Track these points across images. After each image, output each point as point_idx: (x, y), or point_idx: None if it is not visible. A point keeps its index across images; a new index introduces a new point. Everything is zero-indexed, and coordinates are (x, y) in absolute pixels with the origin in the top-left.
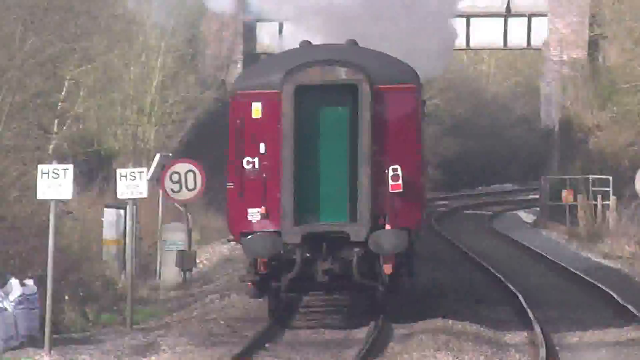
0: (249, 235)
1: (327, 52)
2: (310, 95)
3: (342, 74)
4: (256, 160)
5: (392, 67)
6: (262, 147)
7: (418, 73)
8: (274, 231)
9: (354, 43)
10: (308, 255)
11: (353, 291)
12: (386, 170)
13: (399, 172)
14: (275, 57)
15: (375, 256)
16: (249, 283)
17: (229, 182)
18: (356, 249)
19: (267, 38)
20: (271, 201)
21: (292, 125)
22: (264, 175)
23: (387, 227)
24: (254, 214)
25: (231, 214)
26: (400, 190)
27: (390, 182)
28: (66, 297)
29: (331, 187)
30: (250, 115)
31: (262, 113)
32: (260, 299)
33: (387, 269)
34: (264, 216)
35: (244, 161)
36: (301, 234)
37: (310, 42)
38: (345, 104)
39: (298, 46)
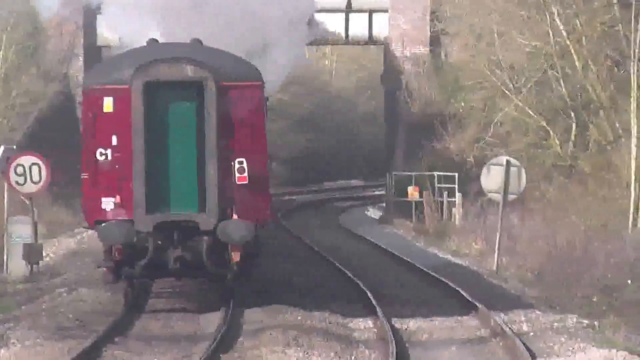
0: (103, 223)
1: (175, 50)
2: (159, 91)
3: (188, 71)
4: (109, 152)
5: (237, 65)
6: (114, 140)
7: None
8: (128, 220)
9: (198, 42)
10: (160, 243)
11: (203, 278)
12: (232, 163)
13: (245, 165)
14: (125, 54)
15: (224, 245)
16: (105, 269)
17: (84, 172)
18: (205, 238)
19: (107, 30)
20: (124, 191)
21: (142, 119)
22: (117, 166)
23: (235, 217)
24: (108, 203)
25: (86, 203)
26: (246, 182)
27: (237, 175)
28: None
29: (181, 179)
30: (102, 109)
31: (113, 107)
32: (109, 293)
33: (236, 257)
34: (118, 205)
35: (97, 153)
36: (153, 222)
37: (157, 41)
38: (193, 100)
39: (145, 44)
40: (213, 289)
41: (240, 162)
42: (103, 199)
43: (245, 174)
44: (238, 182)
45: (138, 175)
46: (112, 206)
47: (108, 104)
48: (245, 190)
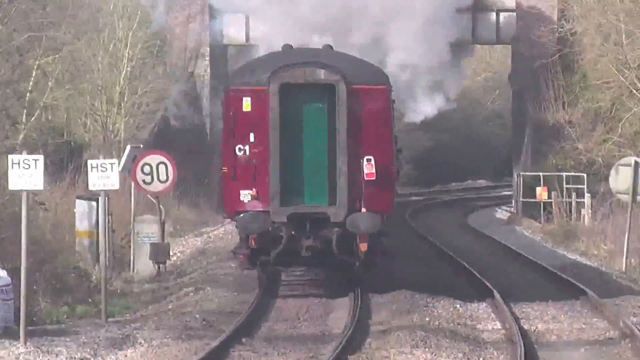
0: (241, 214)
1: (308, 55)
2: (294, 92)
3: (321, 74)
4: (247, 148)
5: (366, 70)
6: (252, 137)
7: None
8: (264, 211)
9: (329, 47)
10: (293, 233)
11: (333, 267)
12: (361, 160)
13: (372, 162)
14: (262, 58)
15: (352, 235)
16: (241, 256)
17: (223, 166)
18: (335, 229)
19: (233, 30)
20: (260, 184)
21: (277, 118)
22: (254, 161)
23: (363, 210)
24: (246, 195)
25: (225, 195)
26: (374, 178)
27: (365, 171)
28: (34, 288)
29: (313, 174)
30: (242, 108)
31: (251, 107)
32: (236, 293)
33: (363, 246)
34: (255, 197)
35: (236, 148)
36: (287, 214)
37: (291, 46)
38: (324, 101)
39: (281, 49)
40: (341, 279)
41: (369, 160)
42: (241, 192)
43: (373, 171)
44: (366, 178)
45: (274, 170)
46: (249, 198)
47: (247, 104)
48: (373, 185)
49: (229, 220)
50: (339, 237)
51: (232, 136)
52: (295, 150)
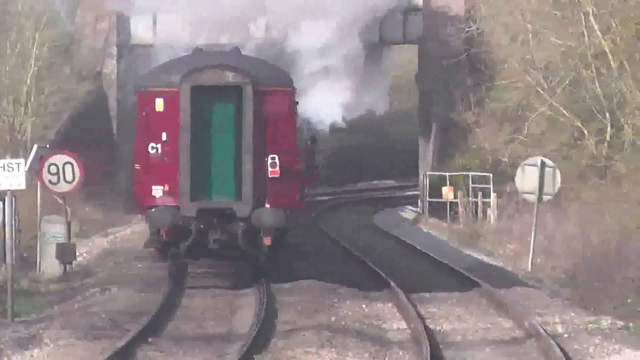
0: (153, 208)
1: (217, 58)
2: (204, 94)
3: (229, 77)
4: (159, 146)
5: (271, 72)
6: (164, 136)
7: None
8: (174, 206)
9: (237, 50)
10: (202, 227)
11: (238, 259)
12: (266, 159)
13: (277, 160)
14: (174, 61)
15: (257, 230)
16: (153, 249)
17: (137, 164)
18: (241, 224)
19: (141, 29)
20: (172, 180)
21: (188, 118)
22: (166, 159)
23: (267, 206)
24: (158, 191)
25: (138, 191)
26: (278, 176)
27: (269, 169)
28: None
29: (220, 171)
30: (154, 108)
31: (164, 107)
32: (142, 294)
33: (267, 241)
34: (166, 193)
35: (149, 147)
36: (196, 208)
37: (202, 50)
38: (232, 102)
39: (191, 52)
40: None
41: (273, 158)
42: (153, 187)
43: (277, 169)
44: (270, 175)
45: (184, 167)
46: (161, 194)
47: (160, 104)
48: (277, 182)
49: (136, 221)
50: (245, 231)
51: (145, 135)
52: (204, 149)
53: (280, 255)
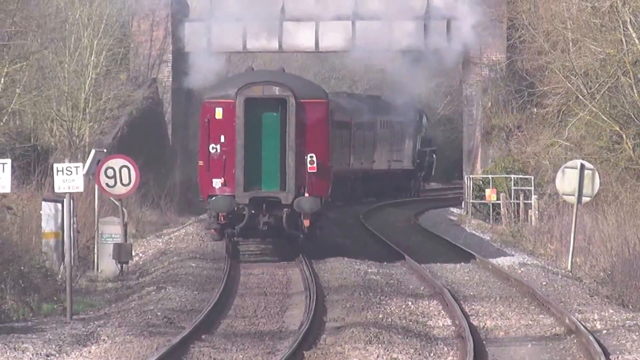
0: (213, 197)
1: (266, 75)
2: (254, 104)
3: (276, 91)
4: (218, 146)
5: (309, 87)
6: (222, 138)
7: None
8: (230, 195)
9: (282, 69)
10: (253, 212)
11: (283, 237)
12: (305, 157)
13: (314, 158)
14: (231, 78)
15: (298, 214)
16: (212, 230)
17: (200, 161)
18: (285, 209)
19: (195, 38)
20: (228, 175)
21: (242, 124)
22: (224, 157)
23: (306, 195)
24: (217, 183)
25: (201, 183)
26: (315, 171)
27: (308, 165)
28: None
29: (268, 167)
30: (215, 116)
31: (222, 115)
32: (196, 292)
33: (306, 222)
34: (224, 185)
35: (210, 147)
36: (248, 197)
37: (253, 69)
38: (278, 111)
39: (244, 71)
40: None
41: (311, 157)
42: (213, 180)
43: (314, 165)
44: (309, 171)
45: (239, 164)
46: (219, 185)
47: (219, 112)
48: (314, 176)
49: (189, 222)
50: (288, 215)
51: (206, 137)
52: (255, 149)
53: (316, 236)
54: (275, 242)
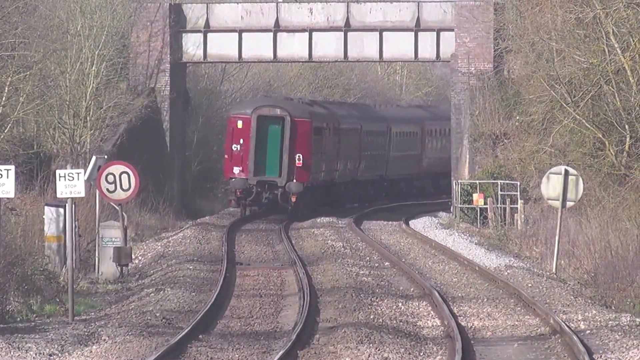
0: (233, 179)
1: (272, 100)
2: (264, 119)
3: (278, 111)
4: (238, 146)
5: (301, 109)
6: (241, 141)
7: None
8: (245, 178)
9: (286, 96)
10: (259, 190)
11: (278, 207)
12: (295, 156)
13: (301, 157)
14: (248, 100)
15: (288, 193)
16: (231, 201)
17: (225, 154)
18: (280, 189)
19: (192, 48)
20: (244, 165)
21: (255, 132)
22: (241, 153)
23: (294, 180)
24: (236, 170)
25: (225, 169)
26: (301, 165)
27: (297, 161)
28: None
29: (271, 161)
30: (237, 126)
31: (242, 126)
32: (193, 294)
33: (294, 198)
34: (241, 171)
35: (232, 146)
36: (256, 180)
37: (265, 95)
38: (279, 124)
39: (258, 96)
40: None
41: (299, 156)
42: (234, 167)
43: (301, 161)
44: (297, 165)
45: (251, 158)
46: (238, 171)
47: (239, 124)
48: (300, 168)
49: (187, 227)
50: (282, 193)
51: (231, 140)
52: (262, 149)
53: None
54: (271, 245)
